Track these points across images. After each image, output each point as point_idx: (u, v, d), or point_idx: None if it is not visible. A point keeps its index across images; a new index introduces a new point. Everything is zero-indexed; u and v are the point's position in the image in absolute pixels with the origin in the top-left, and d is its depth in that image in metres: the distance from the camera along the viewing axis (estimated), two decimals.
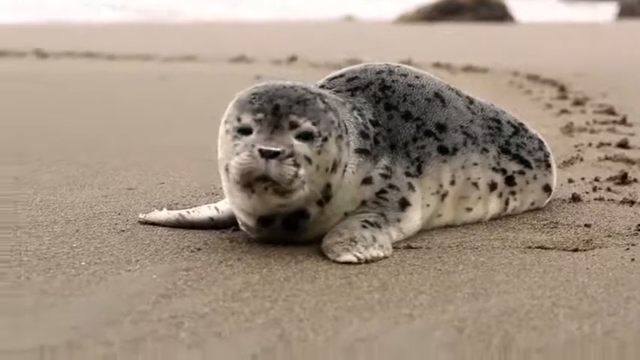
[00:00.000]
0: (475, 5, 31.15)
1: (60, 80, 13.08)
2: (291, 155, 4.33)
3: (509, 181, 5.29)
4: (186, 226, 5.10)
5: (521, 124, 5.46)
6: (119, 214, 5.37)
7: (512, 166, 5.30)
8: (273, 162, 4.29)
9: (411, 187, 4.84)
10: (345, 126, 4.65)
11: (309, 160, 4.41)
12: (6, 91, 11.93)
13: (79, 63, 15.67)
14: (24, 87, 12.38)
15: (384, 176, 4.77)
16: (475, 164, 5.12)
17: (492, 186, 5.21)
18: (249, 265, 4.37)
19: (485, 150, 5.18)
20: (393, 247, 4.64)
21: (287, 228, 4.62)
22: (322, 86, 5.00)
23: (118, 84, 12.79)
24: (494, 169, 5.21)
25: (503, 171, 5.26)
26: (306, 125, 4.42)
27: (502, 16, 30.97)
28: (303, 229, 4.63)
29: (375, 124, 4.87)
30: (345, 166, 4.65)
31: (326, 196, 4.58)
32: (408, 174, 4.86)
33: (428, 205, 4.95)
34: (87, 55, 16.89)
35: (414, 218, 4.84)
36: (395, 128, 4.92)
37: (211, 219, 5.06)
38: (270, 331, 3.52)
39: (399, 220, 4.77)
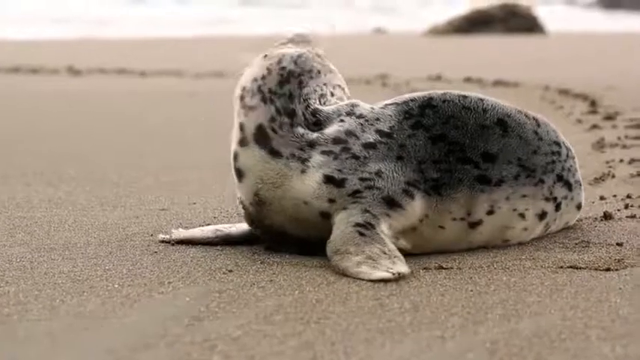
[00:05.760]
0: (506, 16, 31.09)
1: (92, 98, 13.16)
2: None
3: (557, 207, 5.19)
4: (224, 241, 5.13)
5: (566, 143, 5.32)
6: (151, 235, 5.40)
7: (562, 192, 5.19)
8: None
9: (407, 193, 4.77)
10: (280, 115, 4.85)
11: None
12: (40, 110, 12.02)
13: (111, 80, 15.76)
14: (57, 105, 12.47)
15: (363, 179, 4.74)
16: (524, 196, 5.01)
17: (542, 216, 5.13)
18: (281, 286, 4.39)
19: (541, 181, 5.06)
20: (424, 269, 4.65)
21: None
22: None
23: (149, 102, 12.86)
24: (546, 198, 5.12)
25: (555, 199, 5.15)
26: None
27: (532, 27, 30.88)
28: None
29: (386, 135, 4.83)
30: (305, 159, 4.73)
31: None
32: (411, 184, 4.78)
33: (442, 227, 4.88)
34: (119, 71, 16.98)
35: (402, 221, 4.78)
36: (412, 146, 4.84)
37: (251, 232, 5.08)
38: (302, 355, 3.54)
39: (388, 216, 4.74)
